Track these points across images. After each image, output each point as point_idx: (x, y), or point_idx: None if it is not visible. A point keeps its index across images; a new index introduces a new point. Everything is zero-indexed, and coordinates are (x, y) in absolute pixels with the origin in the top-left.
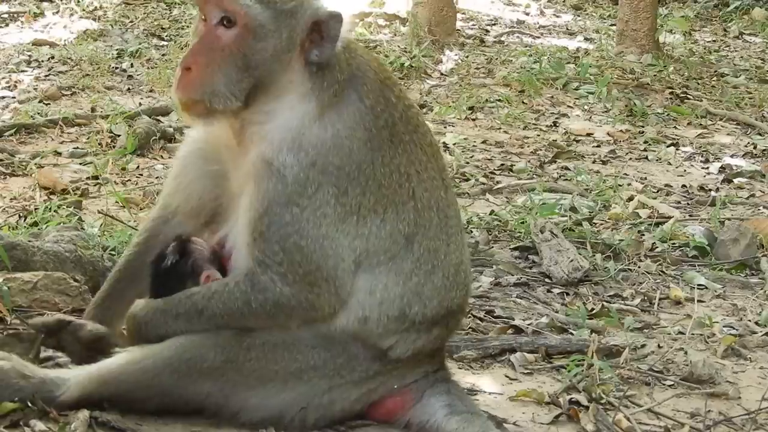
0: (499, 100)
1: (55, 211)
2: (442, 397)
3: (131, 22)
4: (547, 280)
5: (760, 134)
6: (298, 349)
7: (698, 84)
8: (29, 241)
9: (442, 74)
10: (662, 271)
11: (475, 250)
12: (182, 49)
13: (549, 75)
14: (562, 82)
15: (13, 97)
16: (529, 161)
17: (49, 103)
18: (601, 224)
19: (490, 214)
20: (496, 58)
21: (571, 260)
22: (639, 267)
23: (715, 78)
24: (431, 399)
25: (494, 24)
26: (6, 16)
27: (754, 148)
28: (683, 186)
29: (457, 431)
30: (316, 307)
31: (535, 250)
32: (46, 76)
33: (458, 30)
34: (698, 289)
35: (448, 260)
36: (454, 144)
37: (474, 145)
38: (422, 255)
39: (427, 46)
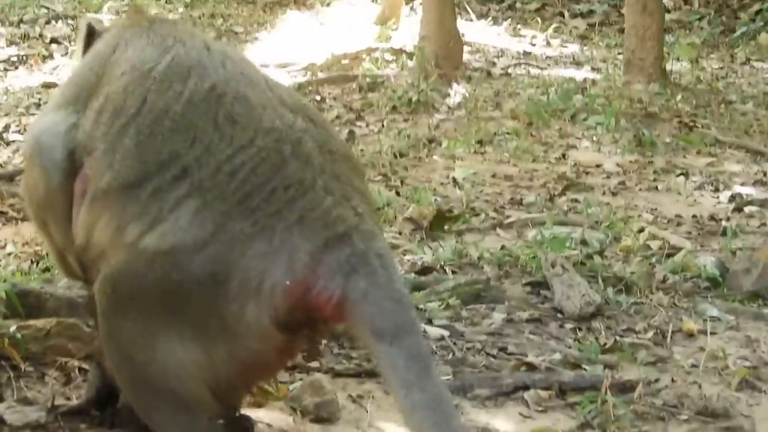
0: (508, 133)
1: None
2: None
3: None
4: (559, 315)
5: None
6: None
7: (706, 112)
8: (41, 287)
9: (449, 108)
10: (674, 304)
11: (486, 286)
12: None
13: (557, 107)
14: (569, 113)
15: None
16: (539, 194)
17: None
18: (612, 257)
19: (501, 249)
20: (504, 91)
21: (583, 295)
22: (651, 300)
23: (723, 105)
24: None
25: (501, 56)
26: (15, 59)
27: (764, 175)
28: (693, 216)
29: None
30: None
31: (546, 285)
32: None
33: (465, 63)
34: (711, 321)
35: None
36: (463, 179)
37: (483, 179)
38: None
39: (435, 80)
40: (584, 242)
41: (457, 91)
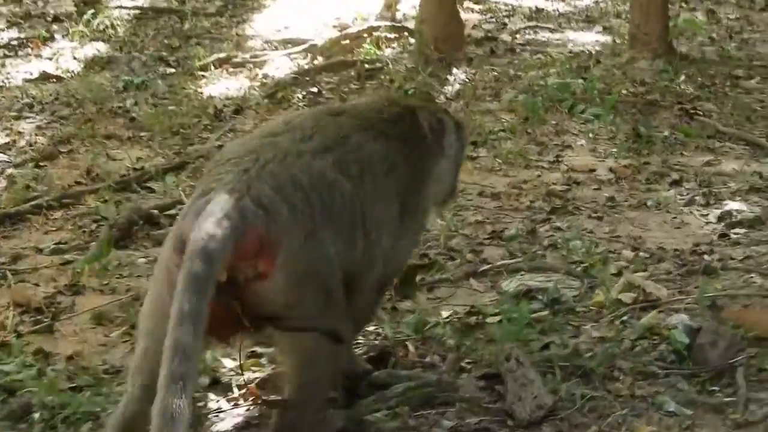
0: (503, 131)
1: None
2: None
3: (141, 41)
4: (509, 421)
5: None
6: None
7: (710, 92)
8: None
9: (447, 99)
10: (632, 395)
11: (437, 387)
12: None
13: (555, 97)
14: (567, 104)
15: (8, 161)
16: (522, 222)
17: (46, 165)
18: (583, 314)
19: (468, 313)
20: (505, 74)
21: (535, 396)
22: (609, 391)
23: (728, 81)
24: None
25: (512, 15)
26: (15, 42)
27: (760, 177)
28: (675, 250)
29: None
30: None
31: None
32: (48, 123)
33: (476, 27)
34: (667, 417)
35: None
36: None
37: (469, 200)
38: None
39: (434, 65)
40: (555, 301)
41: (457, 77)
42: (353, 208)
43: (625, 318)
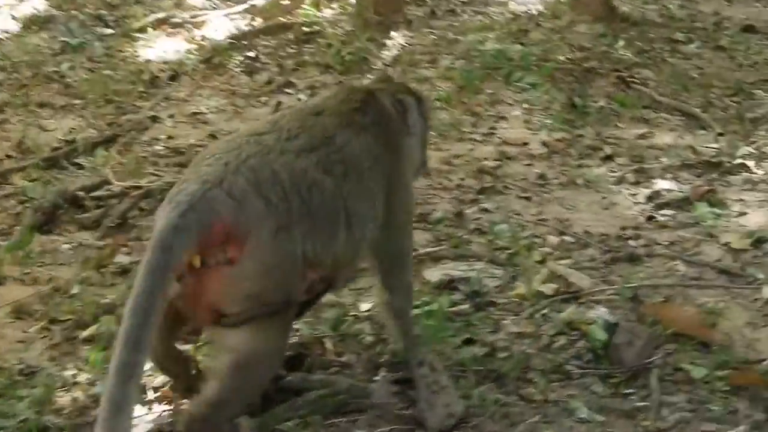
0: (438, 100)
1: None
2: None
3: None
4: (420, 430)
5: (703, 128)
6: None
7: (648, 58)
8: None
9: (384, 65)
10: (546, 400)
11: (350, 393)
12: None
13: (492, 65)
14: (504, 72)
15: None
16: (450, 203)
17: None
18: (505, 306)
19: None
20: (444, 38)
21: (447, 405)
22: (521, 394)
23: (668, 46)
24: None
25: None
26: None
27: (693, 152)
28: (602, 235)
29: None
30: None
31: None
32: None
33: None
34: (579, 423)
35: None
36: None
37: None
38: None
39: (372, 29)
40: (475, 293)
41: (395, 41)
42: (335, 205)
43: (545, 311)
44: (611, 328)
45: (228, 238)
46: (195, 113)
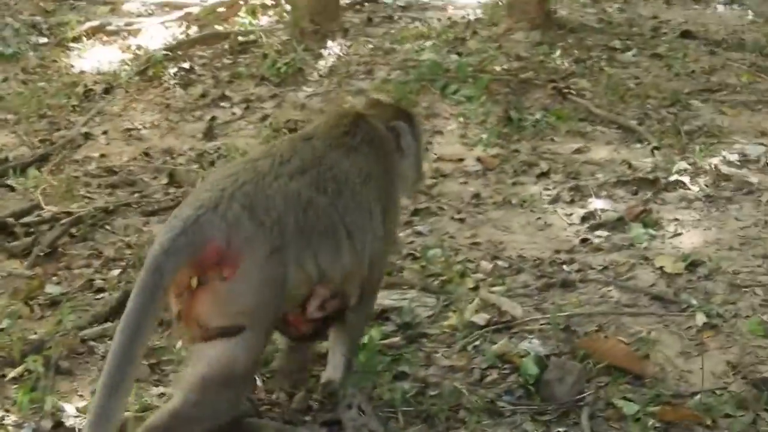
0: None
1: None
2: None
3: (16, 3)
4: None
5: (640, 141)
6: None
7: (585, 68)
8: None
9: (320, 77)
10: None
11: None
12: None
13: (428, 76)
14: (440, 85)
15: None
16: None
17: None
18: (438, 336)
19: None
20: (380, 47)
21: None
22: None
23: (605, 54)
24: None
25: None
26: None
27: (629, 167)
28: (535, 260)
29: None
30: None
31: None
32: None
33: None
34: None
35: None
36: None
37: None
38: None
39: (308, 38)
40: (407, 324)
41: (331, 52)
42: (332, 221)
43: (477, 342)
44: (543, 362)
45: (222, 259)
46: (129, 129)
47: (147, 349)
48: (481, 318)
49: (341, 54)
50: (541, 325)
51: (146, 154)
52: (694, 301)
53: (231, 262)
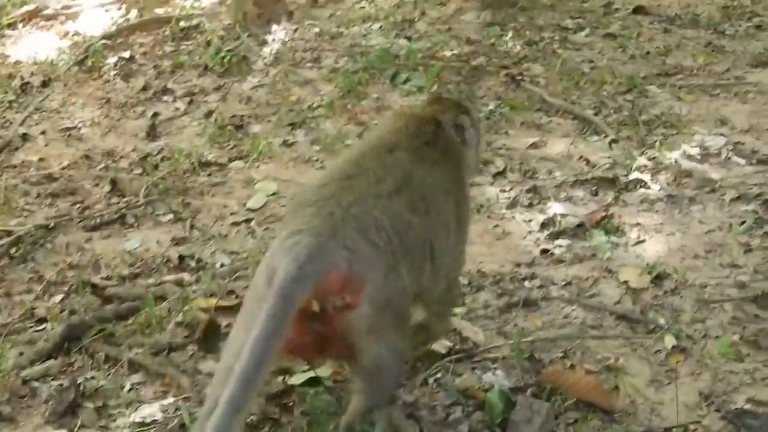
0: (321, 107)
1: None
2: None
3: None
4: None
5: (596, 133)
6: None
7: (538, 51)
8: None
9: (265, 65)
10: None
11: None
12: None
13: (377, 64)
14: (389, 74)
15: None
16: None
17: None
18: None
19: (275, 372)
20: (327, 32)
21: None
22: None
23: (557, 35)
24: None
25: None
26: None
27: (587, 163)
28: (495, 275)
29: None
30: None
31: None
32: None
33: None
34: None
35: None
36: (260, 207)
37: (285, 205)
38: None
39: (252, 22)
40: None
41: (276, 37)
42: (423, 241)
43: (439, 375)
44: (508, 397)
45: (345, 285)
46: (68, 128)
47: (92, 391)
48: (442, 345)
49: (286, 40)
50: (505, 354)
51: (87, 157)
52: (661, 320)
53: (354, 287)
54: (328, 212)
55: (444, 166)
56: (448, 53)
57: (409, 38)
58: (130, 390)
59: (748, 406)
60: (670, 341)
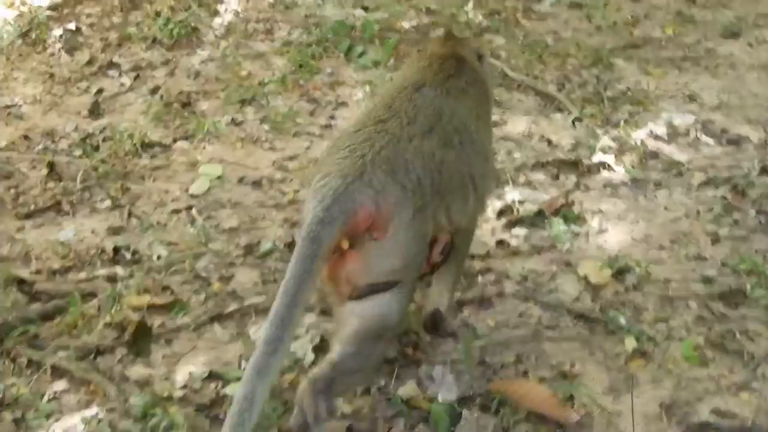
0: (273, 83)
1: None
2: None
3: None
4: None
5: (560, 110)
6: None
7: (500, 21)
8: None
9: (216, 37)
10: None
11: None
12: None
13: (331, 38)
14: (344, 47)
15: None
16: (282, 226)
17: None
18: None
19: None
20: (281, 1)
21: None
22: None
23: (520, 4)
24: None
25: None
26: None
27: (549, 144)
28: None
29: None
30: None
31: None
32: None
33: None
34: None
35: None
36: (203, 193)
37: (227, 191)
38: None
39: None
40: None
41: (229, 7)
42: (462, 173)
43: (382, 382)
44: (453, 409)
45: (372, 223)
46: (8, 106)
47: (11, 400)
48: (393, 349)
49: (239, 10)
50: (454, 357)
51: (26, 137)
52: (622, 320)
53: (381, 225)
54: (359, 155)
55: (471, 95)
56: (406, 24)
57: (365, 8)
58: (51, 399)
59: (712, 418)
60: (630, 344)
